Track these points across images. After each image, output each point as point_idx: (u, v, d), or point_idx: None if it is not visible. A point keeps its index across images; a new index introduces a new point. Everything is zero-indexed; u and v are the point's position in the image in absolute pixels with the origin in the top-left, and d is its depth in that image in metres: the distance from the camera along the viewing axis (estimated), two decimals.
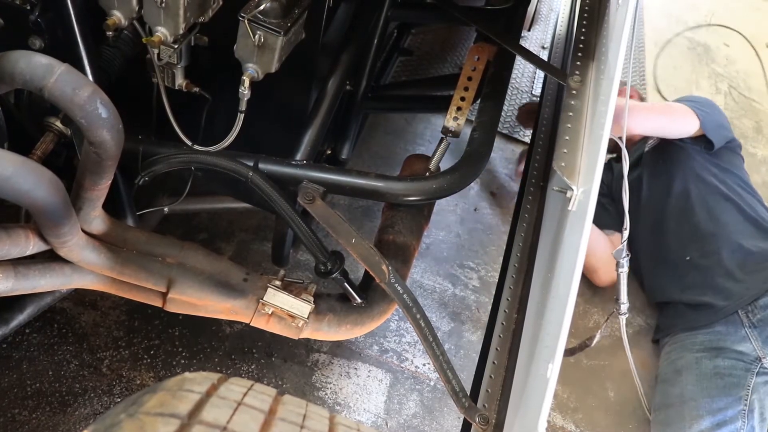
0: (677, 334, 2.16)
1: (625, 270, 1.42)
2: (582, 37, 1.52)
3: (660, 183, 2.39)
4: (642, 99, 2.91)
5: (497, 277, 1.52)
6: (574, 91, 1.39)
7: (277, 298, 1.29)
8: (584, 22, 1.58)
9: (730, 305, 2.06)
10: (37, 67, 0.93)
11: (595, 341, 1.49)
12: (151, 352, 1.86)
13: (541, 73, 3.29)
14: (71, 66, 0.95)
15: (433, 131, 2.89)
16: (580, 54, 1.48)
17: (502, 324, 1.34)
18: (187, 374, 0.76)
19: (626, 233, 1.28)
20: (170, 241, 1.31)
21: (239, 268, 1.33)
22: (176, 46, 1.23)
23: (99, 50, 1.33)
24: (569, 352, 1.60)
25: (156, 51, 1.25)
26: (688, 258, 2.21)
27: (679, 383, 2.00)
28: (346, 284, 1.33)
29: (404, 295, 1.27)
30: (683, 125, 2.29)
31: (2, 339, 1.40)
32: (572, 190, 1.13)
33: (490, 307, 1.46)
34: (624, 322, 1.44)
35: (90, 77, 1.26)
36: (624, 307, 1.44)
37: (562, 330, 0.92)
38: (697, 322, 2.11)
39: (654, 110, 2.45)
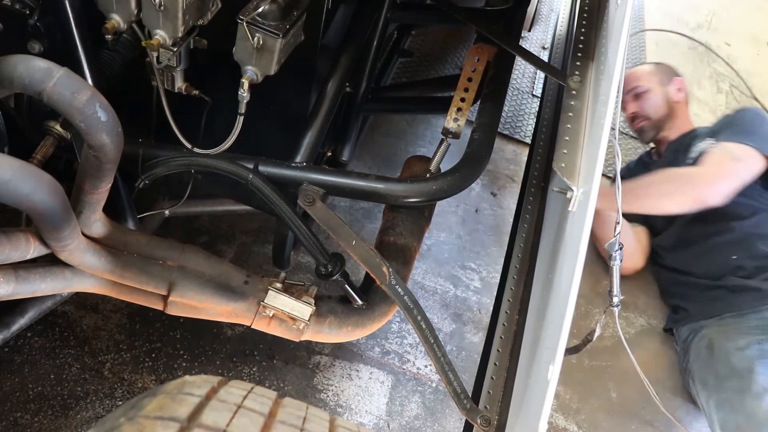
0: (724, 318, 2.14)
1: (617, 263, 1.41)
2: (581, 38, 1.52)
3: None
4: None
5: (498, 278, 1.52)
6: (573, 92, 1.39)
7: (278, 300, 1.29)
8: (584, 23, 1.58)
9: None
10: (36, 71, 0.92)
11: (596, 335, 1.48)
12: (153, 355, 1.87)
13: (541, 74, 3.29)
14: (70, 70, 0.95)
15: (433, 132, 2.89)
16: (579, 54, 1.48)
17: (504, 325, 1.34)
18: (187, 377, 0.76)
19: (619, 227, 1.28)
20: (171, 244, 1.31)
21: (240, 271, 1.33)
22: (175, 49, 1.23)
23: (98, 54, 1.33)
24: (573, 350, 1.60)
25: (155, 54, 1.25)
26: (734, 256, 2.22)
27: (745, 359, 1.98)
28: (347, 286, 1.33)
29: (405, 297, 1.27)
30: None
31: (4, 343, 1.40)
32: (572, 190, 1.13)
33: (491, 309, 1.45)
34: (617, 314, 1.44)
35: (89, 81, 1.27)
36: (617, 299, 1.43)
37: (563, 331, 0.92)
38: (744, 306, 2.12)
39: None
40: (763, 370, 1.92)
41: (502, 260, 1.82)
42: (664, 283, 2.48)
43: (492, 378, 1.26)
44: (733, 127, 2.37)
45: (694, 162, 2.38)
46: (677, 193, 2.18)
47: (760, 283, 2.13)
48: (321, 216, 1.26)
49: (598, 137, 1.10)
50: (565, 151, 1.25)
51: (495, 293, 1.46)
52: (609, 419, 2.08)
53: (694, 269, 2.32)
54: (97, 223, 1.21)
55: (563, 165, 1.21)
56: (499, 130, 2.16)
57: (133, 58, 1.38)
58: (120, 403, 1.76)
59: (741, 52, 4.29)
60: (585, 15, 1.61)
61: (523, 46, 1.82)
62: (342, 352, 2.02)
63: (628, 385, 2.15)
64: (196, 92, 1.37)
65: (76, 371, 1.79)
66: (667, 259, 2.46)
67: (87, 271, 1.21)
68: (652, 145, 2.79)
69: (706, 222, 2.29)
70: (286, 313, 1.29)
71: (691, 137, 2.55)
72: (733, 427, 1.86)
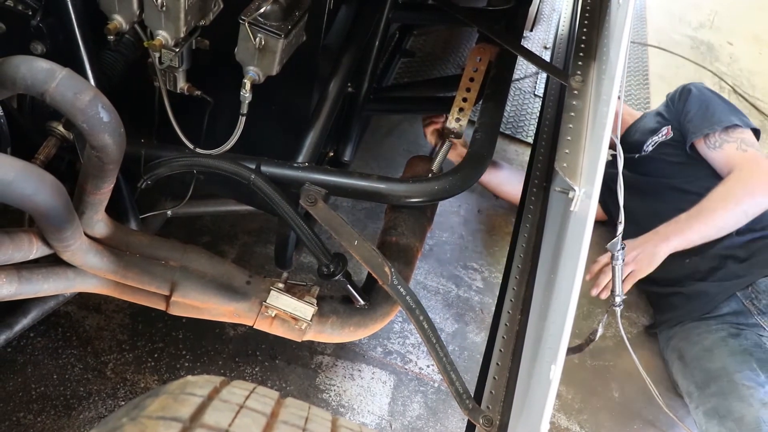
0: (686, 324, 2.13)
1: (620, 262, 1.41)
2: (583, 37, 1.52)
3: (662, 183, 2.36)
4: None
5: (501, 278, 1.52)
6: (575, 91, 1.39)
7: (280, 300, 1.29)
8: (585, 22, 1.58)
9: (722, 291, 2.06)
10: (38, 72, 0.93)
11: (598, 334, 1.49)
12: (155, 356, 1.87)
13: (543, 74, 3.29)
14: (72, 71, 0.95)
15: None
16: (581, 54, 1.47)
17: (506, 325, 1.34)
18: (189, 377, 0.76)
19: (621, 227, 1.27)
20: (173, 244, 1.31)
21: (242, 271, 1.34)
22: (177, 50, 1.23)
23: (100, 54, 1.33)
24: (576, 350, 1.60)
25: (157, 55, 1.25)
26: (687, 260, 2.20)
27: (715, 358, 1.97)
28: (349, 286, 1.33)
29: (407, 297, 1.27)
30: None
31: (7, 343, 1.41)
32: (574, 190, 1.13)
33: (493, 308, 1.45)
34: (619, 314, 1.44)
35: (91, 81, 1.27)
36: (619, 299, 1.43)
37: (565, 331, 0.92)
38: (697, 311, 2.10)
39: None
40: (738, 367, 1.91)
41: (504, 260, 1.82)
42: (645, 294, 2.47)
43: (494, 378, 1.26)
44: (700, 109, 2.31)
45: (652, 151, 2.38)
46: (743, 203, 2.07)
47: (710, 285, 2.10)
48: (323, 216, 1.26)
49: (600, 137, 1.10)
50: (567, 150, 1.25)
51: (497, 293, 1.45)
52: (611, 419, 2.08)
53: (656, 277, 2.27)
54: (100, 224, 1.21)
55: (565, 165, 1.21)
56: (501, 129, 2.16)
57: (135, 59, 1.38)
58: (123, 403, 1.76)
59: (743, 52, 4.28)
60: (587, 15, 1.61)
61: (525, 45, 1.81)
62: (344, 352, 2.02)
63: (630, 384, 2.15)
64: (198, 93, 1.37)
65: (78, 371, 1.79)
66: None
67: (89, 271, 1.22)
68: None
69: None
70: (288, 313, 1.29)
71: (634, 129, 2.56)
72: None
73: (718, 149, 2.19)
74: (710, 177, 2.20)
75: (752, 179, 2.08)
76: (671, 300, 2.22)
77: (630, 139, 2.55)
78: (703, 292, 2.11)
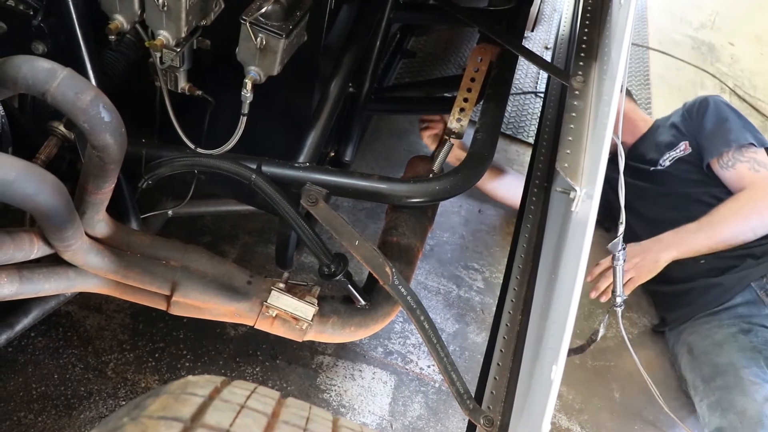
0: (698, 319, 2.13)
1: (620, 263, 1.41)
2: (584, 37, 1.52)
3: (678, 198, 2.35)
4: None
5: (502, 279, 1.52)
6: (576, 92, 1.39)
7: (280, 300, 1.29)
8: (587, 22, 1.57)
9: (738, 283, 2.07)
10: (39, 71, 0.93)
11: (599, 335, 1.49)
12: (156, 355, 1.87)
13: (545, 74, 3.29)
14: (73, 70, 0.95)
15: None
16: (582, 54, 1.47)
17: (507, 325, 1.34)
18: (190, 377, 0.76)
19: (622, 227, 1.27)
20: (174, 244, 1.31)
21: (243, 271, 1.34)
22: (178, 50, 1.23)
23: (101, 54, 1.33)
24: (577, 350, 1.60)
25: (158, 54, 1.25)
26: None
27: (724, 353, 1.97)
28: (350, 286, 1.33)
29: (408, 297, 1.27)
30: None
31: (8, 342, 1.41)
32: (575, 191, 1.13)
33: (494, 309, 1.45)
34: (620, 314, 1.44)
35: (92, 81, 1.27)
36: (620, 300, 1.43)
37: (566, 332, 0.92)
38: (711, 304, 2.11)
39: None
40: (746, 363, 1.92)
41: (505, 260, 1.82)
42: (650, 294, 2.47)
43: (495, 378, 1.26)
44: (715, 125, 2.31)
45: (669, 167, 2.37)
46: (751, 220, 2.11)
47: (725, 278, 2.11)
48: (324, 216, 1.26)
49: (601, 137, 1.10)
50: (568, 151, 1.25)
51: (498, 293, 1.45)
52: (612, 419, 2.07)
53: (668, 277, 2.26)
54: (101, 224, 1.21)
55: (566, 165, 1.21)
56: (501, 130, 2.15)
57: (136, 59, 1.38)
58: (123, 402, 1.76)
59: (744, 52, 4.28)
60: (588, 15, 1.61)
61: (526, 46, 1.81)
62: (345, 352, 2.02)
63: (631, 385, 2.15)
64: (199, 93, 1.37)
65: (79, 371, 1.79)
66: None
67: (90, 271, 1.22)
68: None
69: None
70: (289, 313, 1.29)
71: (648, 140, 2.54)
72: (728, 427, 1.84)
73: (731, 169, 2.21)
74: (727, 195, 2.21)
75: (763, 199, 2.12)
76: (684, 297, 2.22)
77: (644, 151, 2.53)
78: (718, 284, 2.12)
